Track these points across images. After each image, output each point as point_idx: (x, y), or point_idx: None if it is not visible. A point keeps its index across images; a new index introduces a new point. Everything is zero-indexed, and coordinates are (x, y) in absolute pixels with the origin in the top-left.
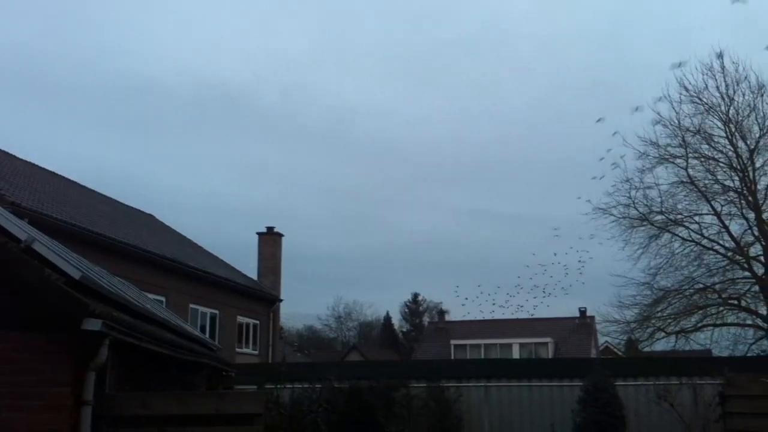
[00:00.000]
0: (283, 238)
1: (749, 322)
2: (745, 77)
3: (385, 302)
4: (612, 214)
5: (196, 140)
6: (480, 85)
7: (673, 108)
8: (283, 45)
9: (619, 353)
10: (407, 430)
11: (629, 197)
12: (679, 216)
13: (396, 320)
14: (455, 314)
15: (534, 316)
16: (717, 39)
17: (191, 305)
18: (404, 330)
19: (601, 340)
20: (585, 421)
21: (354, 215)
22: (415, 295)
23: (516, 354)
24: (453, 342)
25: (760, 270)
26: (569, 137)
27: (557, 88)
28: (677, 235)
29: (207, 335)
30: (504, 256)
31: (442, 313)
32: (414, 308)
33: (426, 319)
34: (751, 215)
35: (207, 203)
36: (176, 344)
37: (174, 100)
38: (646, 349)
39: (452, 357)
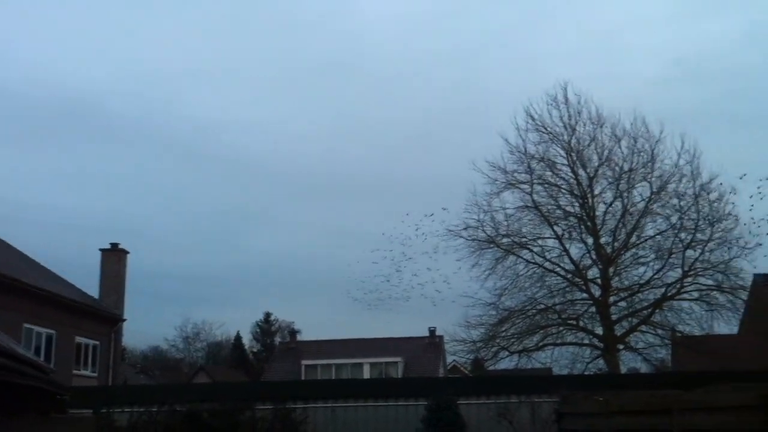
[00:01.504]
0: (128, 255)
1: (587, 341)
2: (587, 109)
3: (236, 322)
4: (461, 236)
5: (42, 150)
6: (350, 103)
7: (520, 135)
8: (147, 56)
9: (467, 372)
10: None
11: (478, 220)
12: (524, 239)
13: (247, 340)
14: (307, 334)
15: (384, 336)
16: (562, 70)
17: (25, 324)
18: (255, 350)
19: (449, 359)
20: None
21: (211, 232)
22: (267, 315)
23: (366, 374)
24: (304, 362)
25: (597, 292)
26: (433, 158)
27: (423, 109)
28: (522, 258)
29: (42, 356)
30: (365, 275)
31: (293, 332)
32: (266, 328)
33: (278, 339)
34: (590, 240)
35: (49, 217)
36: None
37: (19, 108)
38: (491, 368)
39: (303, 377)
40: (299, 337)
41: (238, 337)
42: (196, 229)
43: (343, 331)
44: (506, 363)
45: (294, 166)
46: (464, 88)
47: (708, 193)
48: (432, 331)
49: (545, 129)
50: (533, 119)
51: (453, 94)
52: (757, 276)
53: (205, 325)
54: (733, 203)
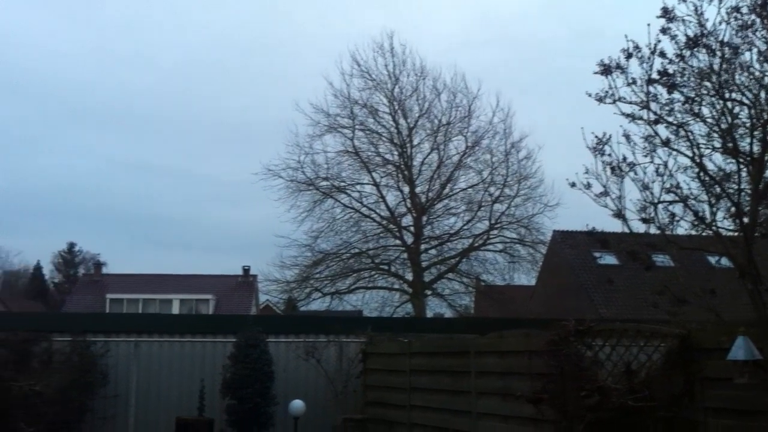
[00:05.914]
0: None
1: (396, 286)
2: (411, 60)
3: (36, 250)
4: (281, 177)
5: None
6: (131, 25)
7: (345, 80)
8: None
9: (279, 312)
10: (41, 384)
11: (298, 161)
12: (343, 183)
13: (48, 271)
14: (114, 267)
15: (196, 273)
16: (383, 18)
17: None
18: (56, 281)
19: (262, 298)
20: (234, 376)
21: None
22: (71, 245)
23: (176, 310)
24: (109, 296)
25: (410, 239)
26: (233, 95)
27: (217, 43)
28: (339, 202)
29: None
30: (169, 210)
31: (98, 264)
32: (69, 258)
33: (81, 271)
34: (406, 188)
35: None
36: None
37: None
38: (303, 308)
39: (107, 311)
40: (105, 270)
41: (38, 267)
42: None
43: (152, 266)
44: (318, 304)
45: (71, 87)
46: (264, 20)
47: (518, 151)
48: (246, 270)
49: (370, 76)
50: (359, 65)
51: (260, 25)
52: (555, 232)
53: (0, 252)
54: (539, 163)
